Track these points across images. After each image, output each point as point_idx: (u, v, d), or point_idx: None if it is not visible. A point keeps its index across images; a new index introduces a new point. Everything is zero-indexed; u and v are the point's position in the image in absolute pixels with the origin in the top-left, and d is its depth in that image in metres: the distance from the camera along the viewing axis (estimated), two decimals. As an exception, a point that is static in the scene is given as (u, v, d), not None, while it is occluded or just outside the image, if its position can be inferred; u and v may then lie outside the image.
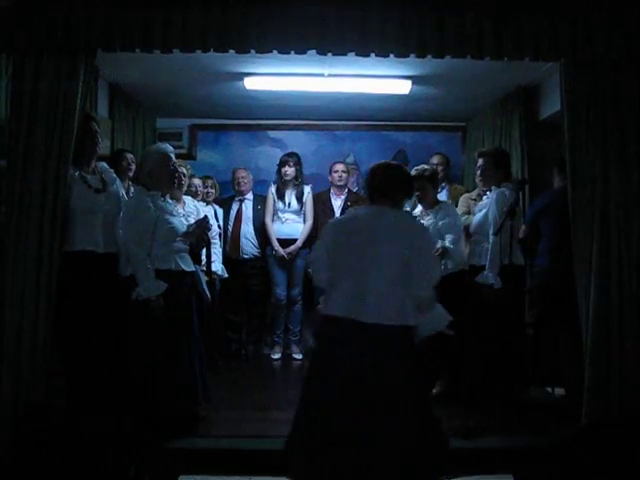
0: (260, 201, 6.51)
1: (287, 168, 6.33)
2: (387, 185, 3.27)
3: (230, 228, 6.44)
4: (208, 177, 6.26)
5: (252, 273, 6.45)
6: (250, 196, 6.55)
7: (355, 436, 2.97)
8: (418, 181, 4.54)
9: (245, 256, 6.42)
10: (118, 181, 4.34)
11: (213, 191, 6.24)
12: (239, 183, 6.49)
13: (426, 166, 4.95)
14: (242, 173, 6.53)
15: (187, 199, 5.47)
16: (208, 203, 6.08)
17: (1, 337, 3.83)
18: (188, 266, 4.20)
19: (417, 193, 4.60)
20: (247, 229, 6.44)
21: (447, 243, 4.56)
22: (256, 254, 6.45)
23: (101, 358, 3.94)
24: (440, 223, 4.68)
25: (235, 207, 6.52)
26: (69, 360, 4.00)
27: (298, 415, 3.22)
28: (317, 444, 3.05)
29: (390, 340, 3.04)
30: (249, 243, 6.43)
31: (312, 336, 6.70)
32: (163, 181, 4.15)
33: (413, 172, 4.61)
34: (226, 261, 6.12)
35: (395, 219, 3.20)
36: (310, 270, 3.49)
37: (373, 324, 3.01)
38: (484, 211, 4.69)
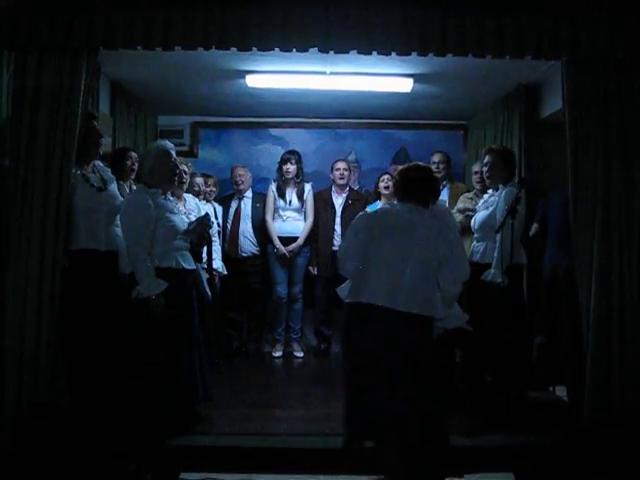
0: (259, 199, 6.51)
1: (289, 166, 6.32)
2: (416, 187, 3.52)
3: (229, 226, 6.44)
4: (209, 175, 6.26)
5: (251, 271, 6.44)
6: (249, 194, 6.54)
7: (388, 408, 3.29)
8: None
9: (244, 254, 6.41)
10: (115, 181, 4.34)
11: (215, 189, 6.25)
12: (237, 181, 6.49)
13: (421, 165, 4.84)
14: (240, 171, 6.52)
15: (188, 197, 5.48)
16: (208, 201, 6.08)
17: (4, 336, 3.83)
18: (189, 264, 4.18)
19: None
20: (246, 227, 6.44)
21: None
22: (255, 252, 6.44)
23: (103, 356, 3.94)
24: None
25: (234, 205, 6.51)
26: (72, 359, 4.00)
27: (348, 401, 3.48)
28: (366, 417, 3.37)
29: (419, 328, 3.33)
30: (247, 241, 6.43)
31: (314, 334, 6.72)
32: (164, 178, 4.13)
33: None
34: (225, 259, 6.13)
35: (429, 218, 3.45)
36: (337, 255, 3.72)
37: (406, 312, 3.27)
38: (491, 209, 4.67)
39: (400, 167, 3.70)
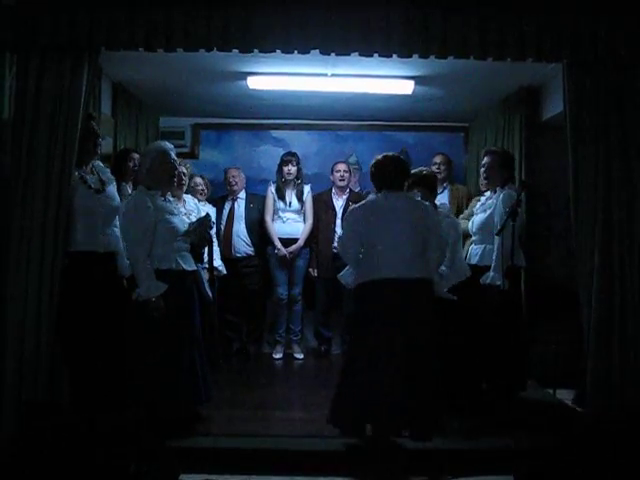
0: (253, 200, 6.53)
1: (290, 167, 6.34)
2: (392, 176, 4.02)
3: (222, 227, 6.43)
4: (202, 177, 6.25)
5: (247, 272, 6.45)
6: (242, 195, 6.56)
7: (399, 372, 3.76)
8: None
9: (238, 255, 6.41)
10: (114, 181, 4.33)
11: (206, 190, 6.24)
12: (231, 182, 6.50)
13: (425, 169, 4.78)
14: (234, 172, 6.54)
15: (187, 197, 5.47)
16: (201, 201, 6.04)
17: (4, 336, 3.84)
18: (189, 265, 4.18)
19: None
20: (239, 228, 6.44)
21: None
22: (249, 252, 6.45)
23: (103, 357, 3.94)
24: None
25: (227, 206, 6.53)
26: (71, 360, 4.00)
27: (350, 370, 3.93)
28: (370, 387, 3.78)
29: (421, 288, 3.90)
30: (241, 242, 6.43)
31: (314, 336, 6.71)
32: (162, 178, 4.11)
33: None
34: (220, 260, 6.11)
35: (409, 201, 4.06)
36: (338, 247, 4.28)
37: (409, 278, 3.84)
38: (489, 212, 4.67)
39: (373, 160, 4.14)
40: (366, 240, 3.94)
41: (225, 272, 6.03)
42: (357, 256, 4.00)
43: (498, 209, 4.55)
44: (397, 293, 3.83)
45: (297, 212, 6.41)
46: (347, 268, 4.22)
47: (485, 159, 4.82)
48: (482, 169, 4.85)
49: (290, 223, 6.40)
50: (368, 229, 3.94)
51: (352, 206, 4.22)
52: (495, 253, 4.45)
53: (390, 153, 4.16)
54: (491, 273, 4.48)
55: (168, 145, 4.22)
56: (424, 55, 4.02)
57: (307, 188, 6.44)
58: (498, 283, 4.39)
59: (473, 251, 4.83)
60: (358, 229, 3.97)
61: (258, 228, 6.46)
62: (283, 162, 6.39)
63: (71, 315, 3.94)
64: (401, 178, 4.08)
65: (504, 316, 4.39)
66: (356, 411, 3.84)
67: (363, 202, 4.11)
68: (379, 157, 4.10)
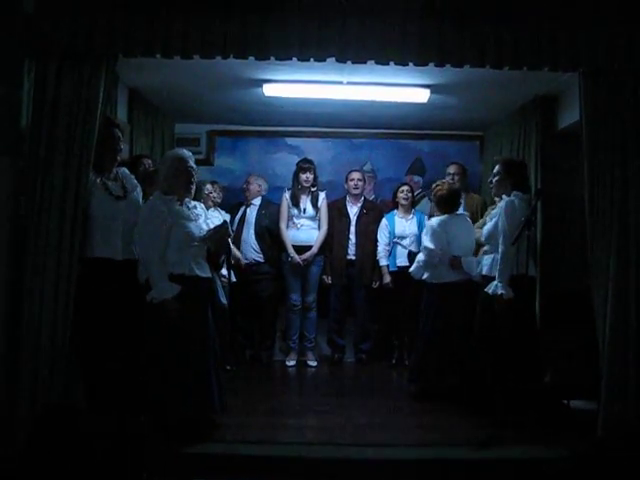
0: (266, 206, 6.57)
1: (308, 175, 6.36)
2: (454, 202, 5.27)
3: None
4: (214, 182, 6.28)
5: (256, 279, 6.47)
6: (257, 202, 6.60)
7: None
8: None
9: (246, 261, 6.43)
10: (139, 188, 4.35)
11: (216, 195, 6.23)
12: (243, 189, 6.61)
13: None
14: (249, 179, 6.66)
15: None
16: (210, 208, 6.03)
17: (20, 338, 3.86)
18: (204, 272, 4.18)
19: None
20: (248, 234, 6.48)
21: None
22: (258, 259, 6.47)
23: (117, 362, 3.95)
24: None
25: (240, 212, 6.59)
26: (85, 364, 4.02)
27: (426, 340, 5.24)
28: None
29: (470, 287, 5.03)
30: (250, 248, 6.46)
31: (327, 344, 6.70)
32: (178, 184, 4.14)
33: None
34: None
35: (464, 221, 5.34)
36: (424, 252, 5.27)
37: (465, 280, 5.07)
38: (494, 220, 4.66)
39: (442, 188, 5.25)
40: (440, 247, 5.10)
41: (235, 279, 6.03)
42: (436, 261, 5.15)
43: (501, 217, 4.54)
44: (456, 291, 5.06)
45: (312, 219, 6.42)
46: (416, 264, 5.34)
47: (495, 168, 4.83)
48: (492, 178, 4.86)
49: (305, 230, 6.41)
50: (442, 239, 5.10)
51: (431, 222, 5.34)
52: (500, 262, 4.45)
53: (454, 185, 5.59)
54: (495, 282, 4.47)
55: (186, 152, 4.26)
56: (440, 64, 4.02)
57: (322, 195, 6.46)
58: (500, 292, 4.39)
59: (484, 261, 4.81)
60: (439, 238, 5.11)
61: (268, 235, 6.48)
62: (300, 169, 6.41)
63: (86, 320, 3.95)
64: (458, 205, 5.38)
65: (516, 325, 4.36)
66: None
67: (439, 220, 5.17)
68: (450, 186, 5.34)
